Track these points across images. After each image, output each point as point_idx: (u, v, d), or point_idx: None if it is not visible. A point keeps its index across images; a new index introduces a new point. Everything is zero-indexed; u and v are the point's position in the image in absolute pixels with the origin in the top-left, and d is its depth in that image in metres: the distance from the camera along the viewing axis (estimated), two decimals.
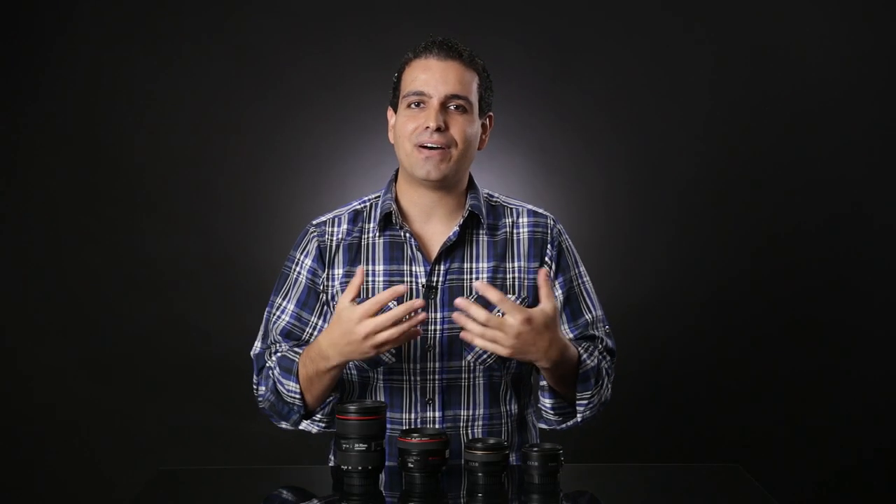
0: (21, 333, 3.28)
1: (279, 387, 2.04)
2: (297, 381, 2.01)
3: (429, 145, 2.02)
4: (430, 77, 2.03)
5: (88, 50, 3.27)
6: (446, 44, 2.06)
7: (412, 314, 1.88)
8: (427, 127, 2.01)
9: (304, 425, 2.08)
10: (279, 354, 2.07)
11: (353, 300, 1.89)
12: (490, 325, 1.85)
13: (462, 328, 1.90)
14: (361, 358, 1.93)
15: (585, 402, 2.04)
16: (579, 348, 2.03)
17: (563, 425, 2.10)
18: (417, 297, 2.05)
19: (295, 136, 3.28)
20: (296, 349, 2.06)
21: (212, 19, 3.27)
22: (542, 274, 1.92)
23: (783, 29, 3.27)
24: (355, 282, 1.91)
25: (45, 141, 3.28)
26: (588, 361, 2.02)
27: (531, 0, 3.28)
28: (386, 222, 2.10)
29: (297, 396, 2.02)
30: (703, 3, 3.28)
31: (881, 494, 3.29)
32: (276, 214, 3.28)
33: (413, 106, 2.05)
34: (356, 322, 1.87)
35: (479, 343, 1.87)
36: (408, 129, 2.04)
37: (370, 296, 2.05)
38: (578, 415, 2.06)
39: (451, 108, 2.04)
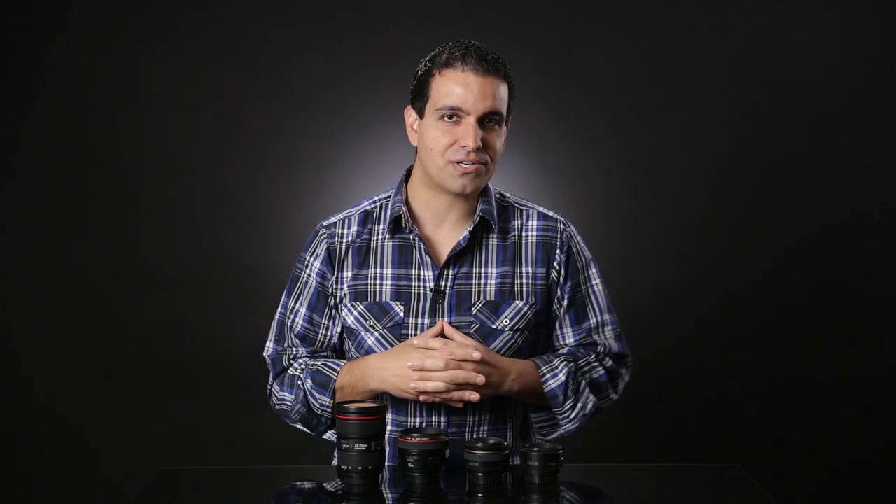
0: (22, 333, 3.28)
1: (311, 400, 2.05)
2: (332, 397, 2.03)
3: (466, 164, 1.99)
4: (469, 93, 1.98)
5: (88, 50, 3.27)
6: (485, 57, 2.00)
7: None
8: (465, 146, 1.98)
9: (328, 435, 2.11)
10: (310, 366, 2.07)
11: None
12: (450, 368, 1.93)
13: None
14: (400, 392, 1.97)
15: (561, 417, 2.07)
16: (542, 367, 2.04)
17: (551, 437, 2.11)
18: (425, 301, 2.05)
19: (295, 136, 3.28)
20: (330, 364, 2.06)
21: (212, 19, 3.27)
22: (446, 329, 2.01)
23: (785, 29, 3.27)
24: (434, 330, 1.99)
25: (45, 141, 3.28)
26: (551, 381, 2.03)
27: (531, 0, 3.28)
28: (396, 225, 2.08)
29: (329, 410, 2.04)
30: (703, 3, 3.28)
31: (881, 495, 3.29)
32: (277, 214, 3.28)
33: (447, 118, 2.00)
34: (414, 353, 1.95)
35: (456, 395, 1.94)
36: (441, 143, 1.99)
37: (377, 299, 2.06)
38: (561, 428, 2.09)
39: (487, 122, 2.01)
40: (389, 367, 1.97)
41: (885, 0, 3.25)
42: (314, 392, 2.04)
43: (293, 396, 2.07)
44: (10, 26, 3.26)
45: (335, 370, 2.04)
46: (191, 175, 3.29)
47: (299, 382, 2.06)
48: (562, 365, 2.05)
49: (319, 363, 2.07)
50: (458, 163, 1.99)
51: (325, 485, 1.94)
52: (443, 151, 1.99)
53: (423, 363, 1.93)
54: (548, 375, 2.03)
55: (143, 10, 3.26)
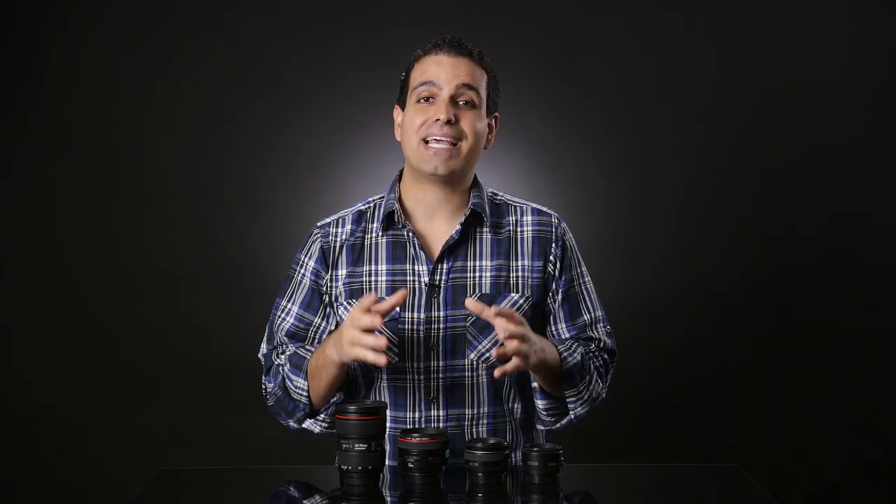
0: (21, 333, 3.28)
1: (287, 383, 2.05)
2: (306, 378, 2.02)
3: (438, 138, 2.02)
4: (441, 70, 2.04)
5: (89, 50, 3.27)
6: (457, 42, 2.07)
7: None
8: (437, 119, 2.02)
9: (308, 424, 2.10)
10: (290, 352, 2.07)
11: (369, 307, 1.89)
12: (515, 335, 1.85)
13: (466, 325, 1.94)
14: (343, 353, 1.90)
15: (574, 399, 2.06)
16: (559, 346, 2.04)
17: (558, 424, 2.11)
18: (420, 295, 2.05)
19: (295, 136, 3.29)
20: (307, 347, 2.08)
21: (212, 19, 3.27)
22: (470, 304, 1.89)
23: (784, 29, 3.27)
24: (392, 300, 1.88)
25: (45, 141, 3.28)
26: (569, 359, 2.04)
27: (531, 0, 3.28)
28: (388, 221, 2.10)
29: (304, 394, 2.03)
30: (703, 3, 3.28)
31: (881, 494, 3.29)
32: (277, 215, 3.28)
33: (423, 101, 2.05)
34: (353, 314, 1.88)
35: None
36: (416, 122, 2.04)
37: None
38: (571, 412, 2.08)
39: (461, 103, 2.05)
40: (336, 332, 1.94)
41: (884, 1, 3.26)
42: (290, 374, 2.04)
43: (273, 384, 2.09)
44: (11, 26, 3.26)
45: (310, 350, 2.05)
46: (191, 175, 3.29)
47: (280, 368, 2.08)
48: (575, 345, 2.07)
49: (297, 347, 2.08)
50: (430, 141, 2.02)
51: (322, 484, 1.94)
52: (416, 130, 2.04)
53: (357, 321, 1.86)
54: (565, 353, 2.04)
55: (144, 11, 3.26)
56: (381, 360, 1.85)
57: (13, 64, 3.26)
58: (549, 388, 2.05)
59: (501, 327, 1.85)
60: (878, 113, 3.26)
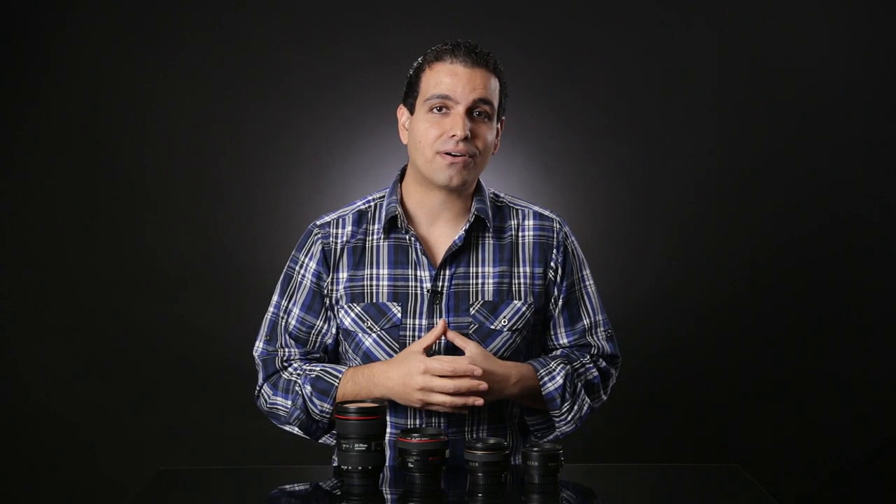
0: (21, 333, 3.28)
1: (311, 406, 2.03)
2: (333, 404, 2.01)
3: (454, 154, 1.99)
4: (457, 82, 1.99)
5: (89, 50, 3.27)
6: (474, 50, 2.01)
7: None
8: (453, 135, 1.98)
9: (324, 439, 2.11)
10: (313, 374, 2.04)
11: (426, 348, 1.95)
12: (459, 374, 1.93)
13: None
14: (405, 402, 1.97)
15: (558, 419, 2.07)
16: (541, 370, 2.04)
17: (545, 439, 2.12)
18: (422, 302, 2.04)
19: (295, 136, 3.28)
20: (330, 370, 2.04)
21: (212, 19, 3.27)
22: (448, 334, 1.99)
23: (784, 29, 3.27)
24: (434, 332, 1.96)
25: (45, 141, 3.28)
26: (549, 385, 2.04)
27: (531, 0, 3.28)
28: (391, 225, 2.07)
29: (328, 416, 2.03)
30: (703, 3, 3.28)
31: (881, 494, 3.29)
32: (277, 214, 3.28)
33: (436, 111, 2.01)
34: (420, 372, 1.92)
35: (459, 401, 1.93)
36: (431, 135, 2.00)
37: (374, 300, 2.05)
38: (557, 430, 2.09)
39: (476, 115, 2.01)
40: (393, 377, 1.96)
41: (884, 1, 3.25)
42: (314, 398, 2.02)
43: (290, 402, 2.06)
44: (11, 26, 3.25)
45: (336, 377, 2.02)
46: (191, 175, 3.29)
47: (297, 388, 2.05)
48: (559, 368, 2.05)
49: (318, 369, 2.05)
50: (446, 154, 1.99)
51: (322, 485, 1.94)
52: (431, 143, 2.00)
53: (430, 384, 1.92)
54: (546, 379, 2.04)
55: (144, 11, 3.26)
56: (478, 401, 1.93)
57: (13, 64, 3.26)
58: (536, 407, 2.08)
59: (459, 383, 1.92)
60: (878, 113, 3.26)
